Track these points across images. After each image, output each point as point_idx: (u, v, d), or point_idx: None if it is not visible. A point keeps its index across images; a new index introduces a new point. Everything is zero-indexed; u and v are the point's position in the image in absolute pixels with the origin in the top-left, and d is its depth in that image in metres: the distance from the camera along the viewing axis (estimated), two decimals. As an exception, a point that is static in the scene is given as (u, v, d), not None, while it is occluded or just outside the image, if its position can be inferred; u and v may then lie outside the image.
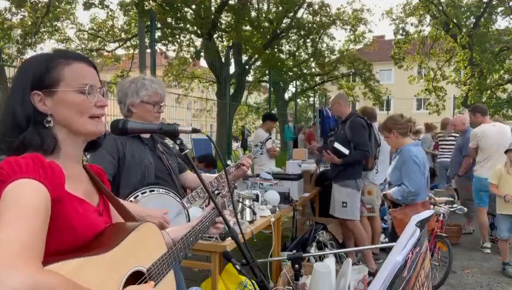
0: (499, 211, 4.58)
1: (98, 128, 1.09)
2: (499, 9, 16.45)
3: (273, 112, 10.21)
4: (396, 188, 3.35)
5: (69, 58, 1.07)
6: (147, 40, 7.17)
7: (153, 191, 2.03)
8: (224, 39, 14.55)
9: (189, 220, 2.12)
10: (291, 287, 3.21)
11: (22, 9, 13.89)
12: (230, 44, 14.15)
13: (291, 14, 15.27)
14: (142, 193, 2.01)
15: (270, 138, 4.19)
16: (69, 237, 0.96)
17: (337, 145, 4.29)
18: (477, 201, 5.43)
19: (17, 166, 0.88)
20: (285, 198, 4.01)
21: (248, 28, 13.63)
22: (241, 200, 3.18)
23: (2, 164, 0.88)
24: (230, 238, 1.34)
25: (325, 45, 18.80)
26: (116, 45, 16.10)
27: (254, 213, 3.25)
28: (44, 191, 0.89)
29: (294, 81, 17.13)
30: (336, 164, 4.39)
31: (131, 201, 1.97)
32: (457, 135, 7.57)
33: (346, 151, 4.27)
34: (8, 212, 0.83)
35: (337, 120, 10.06)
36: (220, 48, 13.99)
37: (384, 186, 3.66)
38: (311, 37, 16.41)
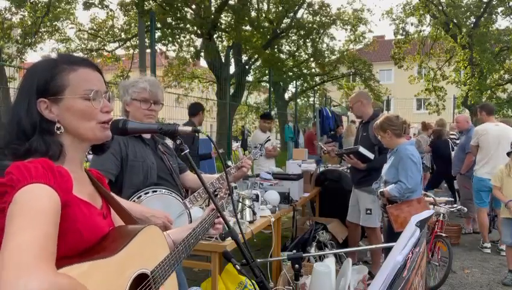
0: (501, 215, 4.38)
1: (106, 134, 1.10)
2: (499, 9, 16.47)
3: (273, 112, 10.21)
4: (394, 185, 3.37)
5: (74, 63, 1.07)
6: (147, 40, 7.17)
7: (156, 191, 2.03)
8: (224, 39, 14.56)
9: (191, 221, 2.12)
10: (291, 287, 3.21)
11: (22, 9, 13.90)
12: (230, 44, 14.15)
13: (291, 14, 15.28)
14: (145, 194, 2.01)
15: (270, 140, 4.07)
16: (75, 240, 0.97)
17: (362, 149, 4.06)
18: (477, 201, 5.42)
19: (27, 171, 0.88)
20: (285, 198, 4.01)
21: (248, 28, 13.64)
22: (241, 200, 3.18)
23: (11, 169, 0.88)
24: (230, 238, 1.34)
25: (325, 45, 18.84)
26: (116, 44, 16.11)
27: (254, 213, 3.25)
28: (54, 196, 0.89)
29: (294, 81, 17.13)
30: (358, 169, 4.19)
31: (134, 201, 1.97)
32: (455, 137, 7.62)
33: (371, 155, 4.06)
34: (21, 217, 0.83)
35: (336, 120, 10.08)
36: (220, 48, 14.00)
37: (379, 185, 3.66)
38: (311, 37, 16.42)
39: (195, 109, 5.48)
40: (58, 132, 1.03)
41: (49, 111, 1.03)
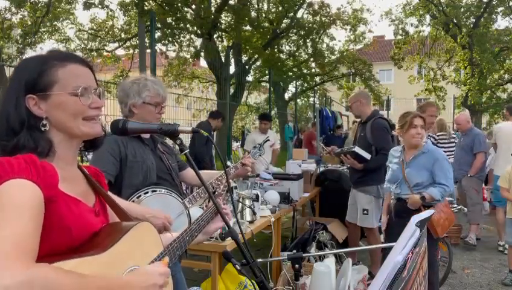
0: (508, 216, 4.28)
1: (94, 130, 1.08)
2: (499, 9, 16.48)
3: (273, 112, 10.19)
4: (436, 188, 3.17)
5: (64, 59, 1.06)
6: (147, 40, 7.16)
7: (155, 191, 2.03)
8: (224, 39, 14.54)
9: (190, 220, 2.12)
10: (291, 287, 3.21)
11: (22, 9, 13.89)
12: (230, 44, 14.14)
13: (291, 14, 15.26)
14: (145, 193, 2.00)
15: (269, 140, 3.89)
16: (65, 237, 0.96)
17: (357, 149, 4.03)
18: (494, 200, 5.42)
19: (9, 166, 0.88)
20: (285, 198, 4.01)
21: (248, 28, 13.63)
22: (241, 200, 3.18)
23: None
24: (230, 238, 1.34)
25: (325, 45, 18.83)
26: (116, 44, 16.10)
27: (254, 213, 3.26)
28: (37, 191, 0.89)
29: (294, 81, 17.12)
30: (356, 169, 4.17)
31: (134, 201, 1.97)
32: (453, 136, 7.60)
33: (367, 156, 4.02)
34: (1, 212, 0.83)
35: (336, 119, 10.08)
36: (220, 48, 13.99)
37: (401, 190, 3.50)
38: (311, 37, 16.39)
39: (217, 114, 6.04)
40: (43, 129, 1.01)
41: (37, 107, 1.02)
